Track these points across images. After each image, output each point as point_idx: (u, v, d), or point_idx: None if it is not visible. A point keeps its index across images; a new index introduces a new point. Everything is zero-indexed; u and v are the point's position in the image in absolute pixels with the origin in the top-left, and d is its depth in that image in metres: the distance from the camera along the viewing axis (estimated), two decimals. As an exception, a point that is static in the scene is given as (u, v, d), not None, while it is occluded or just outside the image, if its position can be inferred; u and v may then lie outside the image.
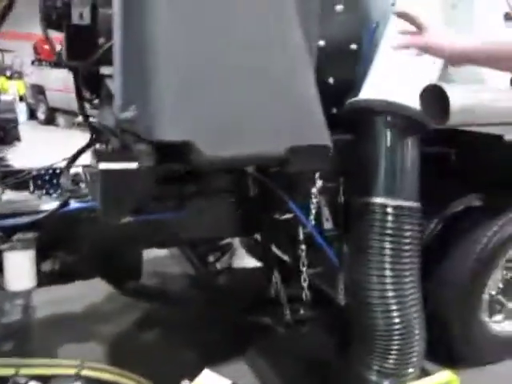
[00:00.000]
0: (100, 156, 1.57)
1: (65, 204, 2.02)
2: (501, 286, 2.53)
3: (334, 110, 2.25)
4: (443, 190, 2.34)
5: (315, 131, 1.57)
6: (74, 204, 2.08)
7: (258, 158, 1.53)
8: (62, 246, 2.07)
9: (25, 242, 1.82)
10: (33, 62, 13.81)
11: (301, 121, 1.54)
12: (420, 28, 1.39)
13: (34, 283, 1.87)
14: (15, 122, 8.97)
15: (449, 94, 1.59)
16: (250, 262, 3.06)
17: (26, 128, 10.73)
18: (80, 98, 2.34)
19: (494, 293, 2.51)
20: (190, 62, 1.39)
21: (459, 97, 1.65)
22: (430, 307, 2.12)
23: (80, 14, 2.04)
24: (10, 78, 15.28)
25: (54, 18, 2.23)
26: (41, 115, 13.20)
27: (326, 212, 2.38)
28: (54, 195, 2.59)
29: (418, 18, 1.39)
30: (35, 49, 13.37)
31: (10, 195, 2.46)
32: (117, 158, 1.56)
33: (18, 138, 9.14)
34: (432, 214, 2.37)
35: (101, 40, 2.12)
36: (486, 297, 2.46)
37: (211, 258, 3.06)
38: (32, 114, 13.53)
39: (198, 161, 1.41)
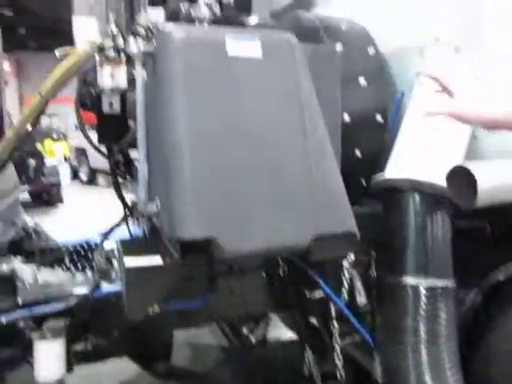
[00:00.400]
0: (126, 248, 1.59)
1: (96, 289, 2.05)
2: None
3: (364, 182, 2.24)
4: (480, 262, 2.25)
5: (340, 219, 1.55)
6: (104, 287, 2.10)
7: (280, 250, 1.52)
8: (93, 329, 2.08)
9: (55, 331, 1.84)
10: (76, 126, 14.41)
11: (324, 210, 1.52)
12: (449, 93, 1.36)
13: (64, 372, 1.87)
14: (58, 185, 9.31)
15: (476, 175, 1.55)
16: (286, 333, 3.00)
17: (69, 189, 11.13)
18: (115, 178, 2.41)
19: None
20: (210, 161, 1.42)
21: (487, 177, 1.61)
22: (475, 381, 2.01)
23: (110, 103, 2.12)
24: (55, 140, 16.00)
25: (88, 104, 2.34)
26: (83, 176, 13.71)
27: (358, 286, 2.32)
28: (88, 273, 2.63)
29: (446, 81, 1.37)
30: (77, 113, 13.99)
31: (45, 274, 2.51)
32: (142, 251, 1.57)
33: (60, 200, 9.46)
34: (470, 286, 2.27)
35: (131, 123, 2.20)
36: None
37: (245, 330, 3.01)
38: (75, 175, 14.05)
39: (219, 256, 1.41)
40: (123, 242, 1.90)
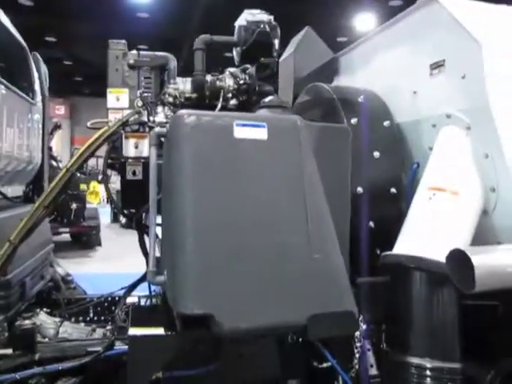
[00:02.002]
0: (134, 317, 1.67)
1: (109, 348, 2.12)
2: None
3: (378, 252, 2.26)
4: (495, 341, 2.21)
5: (338, 298, 1.59)
6: (118, 346, 2.17)
7: (278, 328, 1.56)
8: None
9: (65, 391, 1.92)
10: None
11: (323, 290, 1.57)
12: None
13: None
14: (97, 229, 9.63)
15: (474, 260, 1.57)
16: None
17: (108, 231, 11.46)
18: (140, 239, 2.52)
19: None
20: (213, 242, 1.50)
21: (487, 262, 1.62)
22: None
23: (133, 171, 2.26)
24: (100, 182, 16.58)
25: (116, 167, 2.50)
26: (122, 219, 14.10)
27: (370, 357, 2.31)
28: (109, 328, 2.73)
29: None
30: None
31: (67, 327, 2.62)
32: (148, 321, 1.65)
33: (99, 243, 9.75)
34: (486, 367, 2.23)
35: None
36: None
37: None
38: (115, 217, 14.46)
39: (218, 331, 1.47)
40: (134, 311, 1.99)
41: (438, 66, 2.30)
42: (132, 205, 2.37)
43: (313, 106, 2.69)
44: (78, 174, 12.86)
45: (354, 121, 2.36)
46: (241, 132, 1.65)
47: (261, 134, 1.67)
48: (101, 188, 16.22)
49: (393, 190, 2.37)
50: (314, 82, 2.78)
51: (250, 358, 2.16)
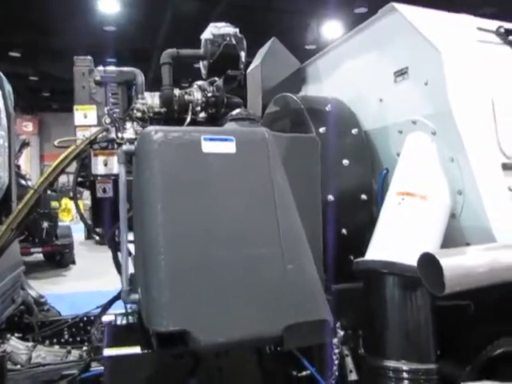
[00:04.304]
0: (109, 337, 1.65)
1: (85, 370, 2.09)
2: None
3: (352, 258, 2.29)
4: (468, 340, 2.26)
5: (312, 308, 1.61)
6: (95, 368, 2.14)
7: (254, 340, 1.57)
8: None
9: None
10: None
11: (297, 300, 1.58)
12: None
13: None
14: (71, 247, 9.47)
15: (443, 262, 1.60)
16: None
17: (82, 248, 11.26)
18: (114, 256, 2.49)
19: None
20: (185, 258, 1.50)
21: (456, 264, 1.65)
22: None
23: (104, 189, 2.24)
24: (71, 199, 16.34)
25: (86, 184, 2.48)
26: (96, 236, 13.87)
27: (349, 363, 2.33)
28: (84, 348, 2.68)
29: None
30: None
31: (40, 352, 2.56)
32: (124, 340, 1.63)
33: (73, 261, 9.59)
34: (461, 365, 2.27)
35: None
36: None
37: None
38: (89, 234, 14.22)
39: (195, 347, 1.47)
40: (111, 330, 1.97)
41: (401, 73, 2.35)
42: (103, 222, 2.35)
43: (281, 116, 2.71)
44: (49, 192, 12.68)
45: (322, 130, 2.39)
46: (209, 146, 1.66)
47: (229, 147, 1.68)
48: (73, 205, 16.02)
49: (363, 196, 2.40)
50: (281, 93, 2.81)
51: (230, 370, 2.15)
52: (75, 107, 2.52)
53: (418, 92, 2.23)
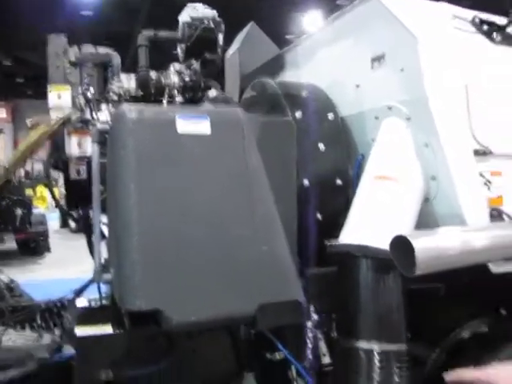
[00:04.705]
0: (81, 318, 1.64)
1: (57, 352, 2.07)
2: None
3: (327, 242, 2.30)
4: (438, 322, 2.30)
5: (285, 288, 1.61)
6: (67, 350, 2.12)
7: (227, 320, 1.57)
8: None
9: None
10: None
11: (270, 280, 1.59)
12: None
13: None
14: (45, 234, 9.35)
15: (415, 244, 1.62)
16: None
17: (57, 236, 11.13)
18: (88, 239, 2.47)
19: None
20: (158, 236, 1.49)
21: (427, 245, 1.68)
22: None
23: (77, 170, 2.21)
24: (47, 185, 16.09)
25: (60, 167, 2.44)
26: (72, 223, 13.71)
27: (322, 346, 2.35)
28: (57, 333, 2.65)
29: (485, 377, 1.21)
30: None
31: (12, 335, 2.52)
32: (96, 319, 1.62)
33: (48, 249, 9.48)
34: (432, 345, 2.32)
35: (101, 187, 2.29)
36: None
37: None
38: (65, 222, 14.05)
39: (168, 326, 1.46)
40: (81, 311, 1.95)
41: (378, 59, 2.36)
42: (77, 205, 2.32)
43: (258, 101, 2.70)
44: (24, 180, 12.47)
45: (298, 114, 2.39)
46: (184, 126, 1.65)
47: (204, 127, 1.67)
48: (48, 193, 15.77)
49: (339, 181, 2.41)
50: (259, 78, 2.80)
51: (204, 352, 2.16)
52: (49, 88, 2.48)
53: (394, 78, 2.25)
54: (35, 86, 19.45)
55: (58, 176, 3.24)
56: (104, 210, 1.95)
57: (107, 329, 1.57)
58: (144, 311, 1.44)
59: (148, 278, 1.46)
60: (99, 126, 1.72)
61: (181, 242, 1.51)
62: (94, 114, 2.25)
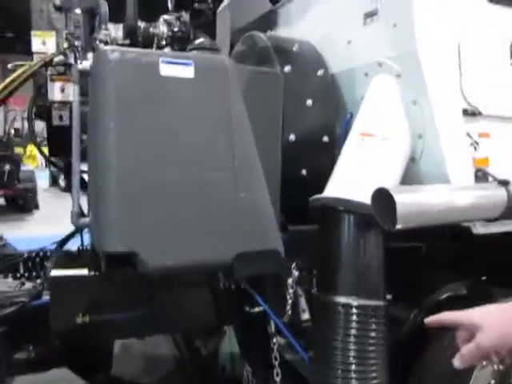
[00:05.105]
0: (57, 261, 1.62)
1: (36, 297, 2.07)
2: (492, 382, 2.41)
3: (309, 204, 2.29)
4: (418, 282, 2.32)
5: (264, 237, 1.61)
6: (47, 296, 2.11)
7: (203, 266, 1.56)
8: (33, 338, 2.10)
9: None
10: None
11: (249, 228, 1.58)
12: (471, 328, 1.15)
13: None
14: (34, 191, 9.29)
15: (396, 197, 1.61)
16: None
17: (46, 195, 11.06)
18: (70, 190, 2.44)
19: (486, 390, 2.38)
20: (136, 178, 1.47)
21: (409, 200, 1.67)
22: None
23: (60, 116, 2.16)
24: (38, 145, 15.92)
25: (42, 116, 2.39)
26: (61, 182, 13.63)
27: (302, 303, 2.36)
28: (38, 281, 2.64)
29: (467, 318, 1.17)
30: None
31: (-8, 281, 2.52)
32: (73, 264, 1.61)
33: (36, 206, 9.43)
34: (410, 306, 2.33)
35: (84, 137, 2.25)
36: (472, 394, 2.34)
37: (197, 343, 3.03)
38: (54, 181, 13.97)
39: (143, 269, 1.45)
40: (59, 254, 1.94)
41: (371, 15, 2.31)
42: (60, 152, 2.28)
43: (248, 55, 2.64)
44: (13, 138, 12.30)
45: (287, 68, 2.34)
46: (167, 69, 1.60)
47: (187, 72, 1.63)
48: (37, 151, 15.61)
49: (325, 138, 2.38)
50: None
51: (183, 304, 2.16)
52: (33, 32, 2.40)
53: (387, 34, 2.20)
54: (26, 41, 19.00)
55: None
56: (86, 159, 1.92)
57: (84, 272, 1.55)
58: (119, 253, 1.43)
59: (124, 219, 1.44)
60: (79, 66, 1.68)
61: (159, 185, 1.48)
62: (77, 59, 2.18)
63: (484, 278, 2.48)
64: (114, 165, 1.46)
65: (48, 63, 2.07)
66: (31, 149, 15.89)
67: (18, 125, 14.21)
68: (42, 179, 11.76)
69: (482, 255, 2.35)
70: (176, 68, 1.62)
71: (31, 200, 9.24)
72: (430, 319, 1.25)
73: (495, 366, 2.34)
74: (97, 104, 1.57)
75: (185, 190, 1.52)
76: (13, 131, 12.98)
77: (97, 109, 1.57)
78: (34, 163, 16.59)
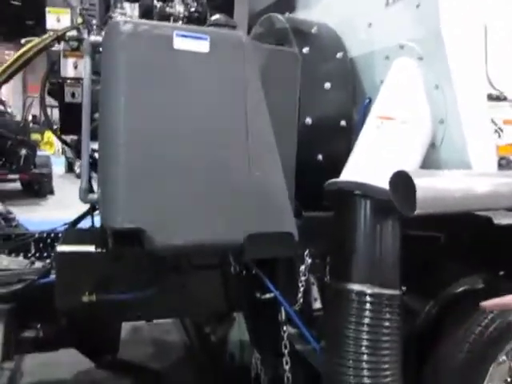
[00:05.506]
0: (65, 238, 1.59)
1: (45, 275, 2.04)
2: (509, 379, 2.33)
3: (325, 188, 2.22)
4: (436, 272, 2.25)
5: (277, 219, 1.55)
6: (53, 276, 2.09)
7: (213, 246, 1.51)
8: (42, 316, 2.08)
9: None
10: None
11: (261, 209, 1.53)
12: None
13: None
14: (49, 176, 9.33)
15: (416, 181, 1.55)
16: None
17: (61, 181, 11.11)
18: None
19: (501, 387, 2.31)
20: (146, 154, 1.42)
21: (429, 185, 1.60)
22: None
23: (72, 93, 2.13)
24: (51, 127, 16.01)
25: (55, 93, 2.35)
26: (77, 169, 13.70)
27: (314, 291, 2.31)
28: (48, 261, 2.63)
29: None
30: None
31: (3, 260, 2.50)
32: (83, 240, 1.57)
33: (51, 191, 9.48)
34: (426, 298, 2.27)
35: (96, 115, 2.21)
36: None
37: (207, 329, 3.00)
38: (70, 167, 14.03)
39: (150, 247, 1.41)
40: (68, 232, 1.90)
41: (393, -4, 2.23)
42: (71, 130, 2.25)
43: (266, 37, 2.58)
44: (32, 124, 12.37)
45: (305, 50, 2.27)
46: (181, 43, 1.55)
47: (202, 46, 1.57)
48: (55, 138, 15.69)
49: (343, 122, 2.32)
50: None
51: (193, 288, 2.12)
52: (47, 9, 2.36)
53: (409, 15, 2.12)
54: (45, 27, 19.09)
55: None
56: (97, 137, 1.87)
57: (90, 247, 1.51)
58: (126, 229, 1.38)
59: (132, 195, 1.39)
60: (92, 38, 1.63)
61: (169, 161, 1.43)
62: (92, 35, 2.14)
63: (502, 272, 2.40)
64: (123, 139, 1.42)
65: (60, 37, 2.02)
66: (48, 135, 16.00)
67: (35, 111, 14.30)
68: (58, 165, 11.82)
69: (502, 248, 2.27)
70: (190, 42, 1.56)
71: (46, 185, 9.27)
72: (488, 303, 1.23)
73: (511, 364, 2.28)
74: (108, 77, 1.53)
75: (196, 168, 1.47)
76: (30, 117, 13.06)
77: (107, 82, 1.52)
78: (52, 149, 16.72)
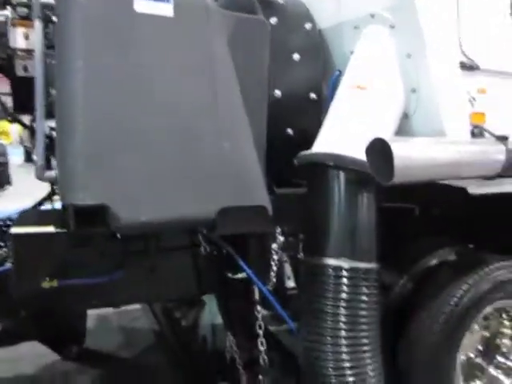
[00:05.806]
0: (21, 219, 1.47)
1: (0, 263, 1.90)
2: (480, 347, 2.34)
3: (296, 162, 2.16)
4: (410, 245, 2.22)
5: (249, 193, 1.47)
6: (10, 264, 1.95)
7: (183, 222, 1.41)
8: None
9: None
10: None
11: (233, 183, 1.44)
12: None
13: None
14: (5, 166, 8.97)
15: (394, 149, 1.49)
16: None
17: (21, 171, 10.70)
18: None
19: (472, 355, 2.32)
20: (107, 124, 1.31)
21: (407, 153, 1.55)
22: (400, 368, 1.97)
23: (24, 67, 1.97)
24: (11, 121, 15.41)
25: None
26: (35, 156, 13.24)
27: (287, 269, 2.25)
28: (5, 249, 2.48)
29: None
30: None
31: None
32: (38, 222, 1.45)
33: (8, 182, 9.12)
34: (401, 271, 2.24)
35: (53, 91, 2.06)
36: (461, 359, 2.27)
37: (177, 314, 2.91)
38: (29, 157, 13.53)
39: (115, 225, 1.30)
40: (24, 213, 1.77)
41: (365, -35, 2.15)
42: (26, 107, 2.09)
43: (230, 6, 2.47)
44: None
45: (273, 20, 2.18)
46: (142, 6, 1.43)
47: (166, 9, 1.46)
48: (12, 127, 15.09)
49: (313, 95, 2.24)
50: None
51: (162, 272, 2.02)
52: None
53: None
54: None
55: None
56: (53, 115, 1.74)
57: (48, 228, 1.39)
58: (88, 206, 1.27)
59: (93, 169, 1.28)
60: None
61: (132, 133, 1.32)
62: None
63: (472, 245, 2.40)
64: (80, 108, 1.30)
65: (7, 1, 1.85)
66: (3, 125, 15.38)
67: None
68: (17, 155, 11.39)
69: (476, 220, 2.26)
70: (153, 5, 1.45)
71: (3, 175, 8.89)
72: None
73: (484, 333, 2.29)
74: (63, 42, 1.40)
75: (161, 139, 1.36)
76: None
77: (63, 47, 1.39)
78: (8, 139, 16.09)
